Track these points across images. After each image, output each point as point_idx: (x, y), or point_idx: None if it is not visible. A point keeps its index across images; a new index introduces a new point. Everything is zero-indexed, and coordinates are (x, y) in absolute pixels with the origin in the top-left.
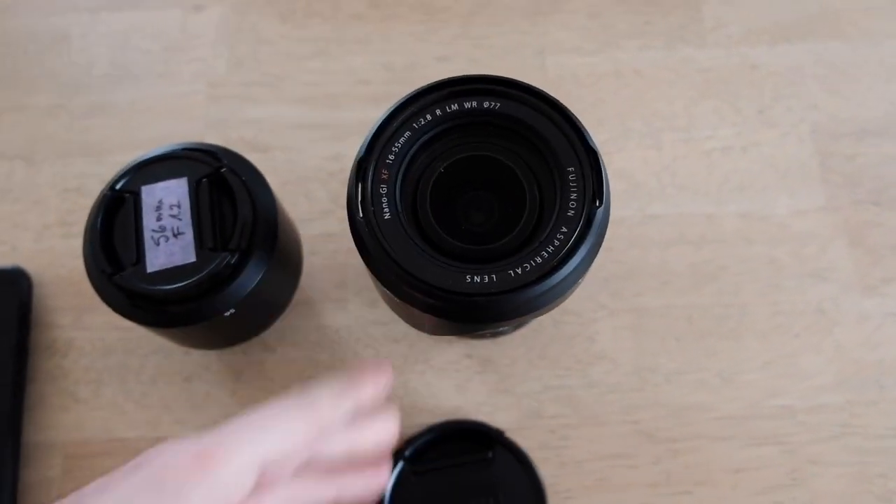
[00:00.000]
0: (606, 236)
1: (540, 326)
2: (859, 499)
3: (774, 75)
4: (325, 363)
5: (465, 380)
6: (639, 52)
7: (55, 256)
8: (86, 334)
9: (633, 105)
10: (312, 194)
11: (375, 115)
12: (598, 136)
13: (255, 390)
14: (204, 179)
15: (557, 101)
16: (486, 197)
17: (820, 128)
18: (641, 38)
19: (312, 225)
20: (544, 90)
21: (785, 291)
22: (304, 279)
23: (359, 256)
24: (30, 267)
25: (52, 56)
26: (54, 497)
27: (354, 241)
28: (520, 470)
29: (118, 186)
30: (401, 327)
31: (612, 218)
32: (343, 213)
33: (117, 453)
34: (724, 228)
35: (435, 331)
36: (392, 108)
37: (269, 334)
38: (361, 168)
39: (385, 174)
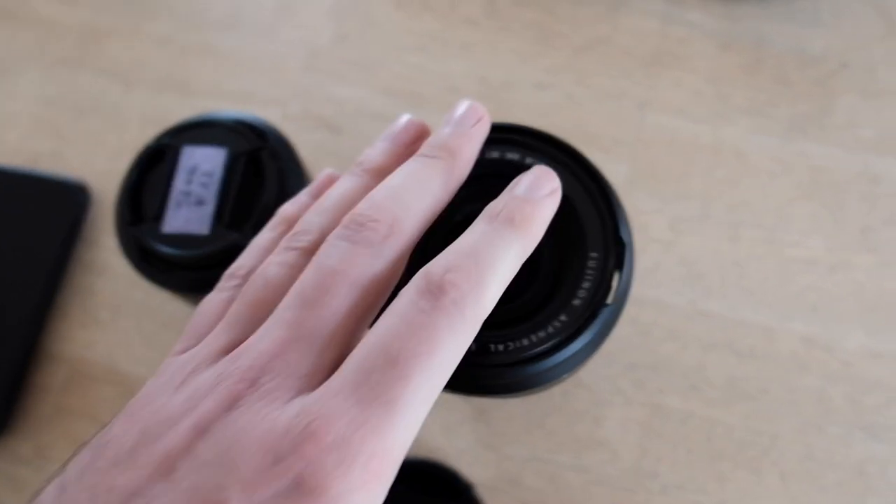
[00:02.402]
0: (646, 320)
1: (548, 392)
2: None
3: (895, 195)
4: None
5: (456, 423)
6: (748, 133)
7: (121, 179)
8: (123, 261)
9: (722, 188)
10: None
11: None
12: (674, 211)
13: None
14: (243, 156)
15: (605, 179)
16: None
17: None
18: (758, 117)
19: None
20: (595, 164)
21: (826, 437)
22: None
23: None
24: (96, 184)
25: None
26: (49, 404)
27: None
28: None
29: (165, 140)
30: None
31: (658, 303)
32: None
33: (114, 385)
34: (779, 347)
35: None
36: None
37: None
38: None
39: None
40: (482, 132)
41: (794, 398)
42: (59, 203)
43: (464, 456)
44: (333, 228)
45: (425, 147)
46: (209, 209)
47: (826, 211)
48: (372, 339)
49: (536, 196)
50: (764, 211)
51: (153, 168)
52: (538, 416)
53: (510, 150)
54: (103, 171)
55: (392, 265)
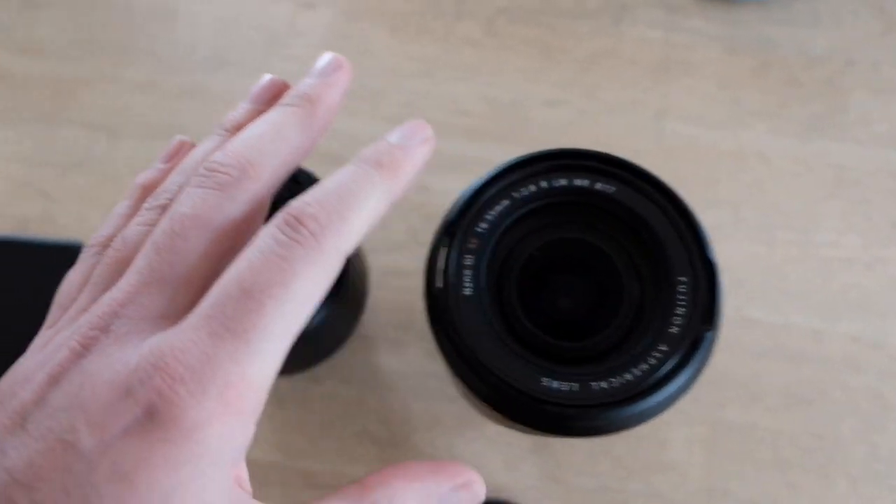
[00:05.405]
0: None
1: None
2: None
3: None
4: (370, 406)
5: (517, 458)
6: (768, 136)
7: None
8: None
9: (750, 192)
10: (388, 224)
11: (470, 150)
12: (705, 219)
13: (295, 421)
14: (280, 203)
15: (682, 200)
16: (579, 286)
17: None
18: (774, 120)
19: (382, 257)
20: (670, 185)
21: (889, 435)
22: (365, 313)
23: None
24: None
25: (156, 31)
26: None
27: (427, 310)
28: None
29: None
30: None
31: None
32: (418, 251)
33: None
34: (829, 349)
35: (494, 420)
36: (494, 172)
37: (320, 365)
38: (449, 232)
39: (474, 243)
40: (342, 80)
41: (851, 398)
42: (59, 269)
43: (530, 492)
44: None
45: (284, 97)
46: None
47: (854, 208)
48: (228, 274)
49: (407, 143)
50: (794, 213)
51: None
52: (601, 443)
53: (578, 176)
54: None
55: (247, 207)
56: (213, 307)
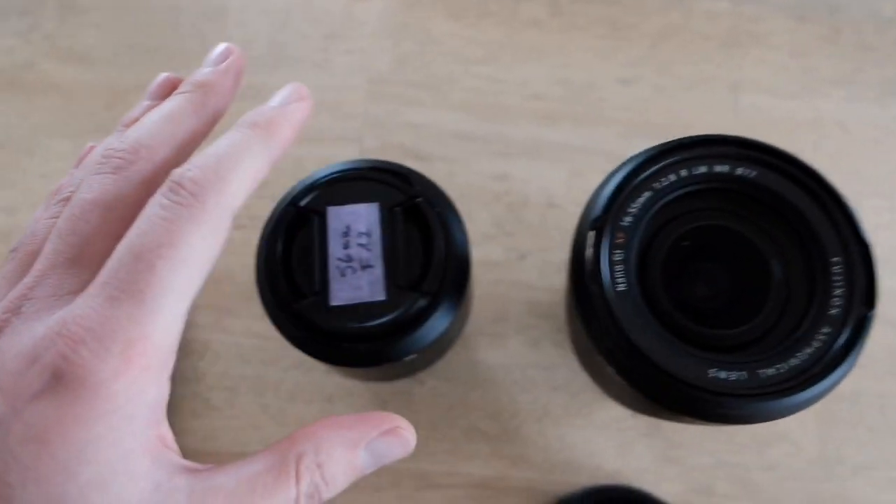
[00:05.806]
0: None
1: None
2: None
3: None
4: (475, 403)
5: (629, 441)
6: (845, 103)
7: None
8: (224, 338)
9: (832, 162)
10: (473, 215)
11: (547, 135)
12: None
13: None
14: (398, 207)
15: (828, 180)
16: (722, 273)
17: None
18: (850, 86)
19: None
20: (813, 166)
21: None
22: None
23: (522, 291)
24: None
25: (206, 31)
26: None
27: (580, 311)
28: None
29: (303, 203)
30: (563, 373)
31: None
32: (506, 241)
33: None
34: None
35: (650, 414)
36: (634, 164)
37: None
38: (596, 228)
39: (621, 238)
40: (234, 66)
41: None
42: None
43: (646, 475)
44: None
45: (180, 86)
46: (378, 272)
47: None
48: (121, 244)
49: (283, 103)
50: (878, 179)
51: (295, 237)
52: None
53: (718, 162)
54: None
55: (143, 186)
56: (108, 275)
